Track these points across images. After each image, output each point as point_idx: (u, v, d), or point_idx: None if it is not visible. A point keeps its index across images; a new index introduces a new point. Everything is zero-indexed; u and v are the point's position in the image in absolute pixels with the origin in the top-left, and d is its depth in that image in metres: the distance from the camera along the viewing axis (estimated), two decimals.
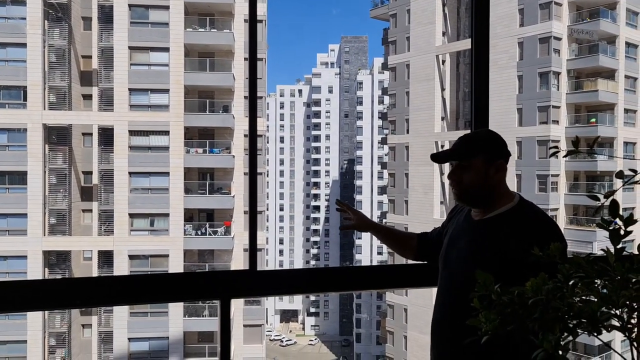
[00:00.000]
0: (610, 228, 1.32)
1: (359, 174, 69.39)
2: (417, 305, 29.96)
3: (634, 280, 1.23)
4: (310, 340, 65.50)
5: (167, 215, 24.64)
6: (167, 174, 24.61)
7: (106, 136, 24.37)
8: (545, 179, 29.06)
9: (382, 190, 49.98)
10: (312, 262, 73.65)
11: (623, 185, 1.41)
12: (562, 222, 29.15)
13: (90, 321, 24.50)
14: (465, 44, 30.57)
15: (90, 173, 24.75)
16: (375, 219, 62.56)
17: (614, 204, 1.34)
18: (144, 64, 24.99)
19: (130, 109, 24.55)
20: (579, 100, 30.16)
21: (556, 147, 1.47)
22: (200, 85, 25.70)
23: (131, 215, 24.44)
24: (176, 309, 23.82)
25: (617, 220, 1.31)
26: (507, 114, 29.54)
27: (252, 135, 2.37)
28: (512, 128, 29.33)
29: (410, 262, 2.24)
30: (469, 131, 2.11)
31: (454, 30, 32.58)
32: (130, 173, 24.44)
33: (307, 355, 61.28)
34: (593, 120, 30.00)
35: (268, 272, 2.30)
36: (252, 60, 2.34)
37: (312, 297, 67.80)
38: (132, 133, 24.42)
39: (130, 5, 24.48)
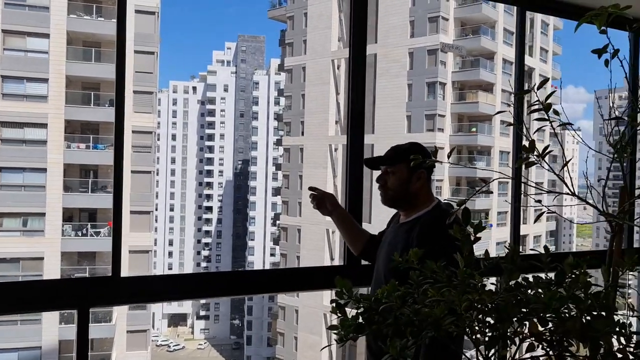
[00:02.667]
0: (462, 234, 1.37)
1: (253, 175, 68.98)
2: (308, 307, 30.32)
3: (480, 284, 1.28)
4: (200, 344, 63.99)
5: (43, 214, 22.83)
6: (44, 170, 22.81)
7: None
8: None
9: (276, 191, 50.11)
10: (203, 264, 71.99)
11: (474, 194, 1.47)
12: None
13: None
14: None
15: None
16: (269, 220, 62.58)
17: (466, 212, 1.40)
18: (19, 49, 23.00)
19: (3, 98, 22.46)
20: (462, 111, 32.33)
21: (417, 157, 1.54)
22: (84, 77, 24.15)
23: (1, 215, 22.37)
24: (51, 315, 22.14)
25: (468, 227, 1.37)
26: (397, 121, 30.89)
27: (119, 131, 2.21)
28: (401, 134, 30.69)
29: (301, 265, 2.25)
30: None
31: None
32: (1, 168, 22.37)
33: None
34: (474, 129, 32.29)
35: (132, 278, 2.16)
36: (120, 50, 2.18)
37: (202, 300, 66.27)
38: (4, 125, 22.38)
39: None
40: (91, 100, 24.47)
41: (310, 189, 2.37)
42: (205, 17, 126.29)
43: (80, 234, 23.83)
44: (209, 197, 74.59)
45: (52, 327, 22.39)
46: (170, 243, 72.32)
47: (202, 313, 67.74)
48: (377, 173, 2.11)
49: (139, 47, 25.30)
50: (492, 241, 27.55)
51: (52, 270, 22.21)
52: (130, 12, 24.64)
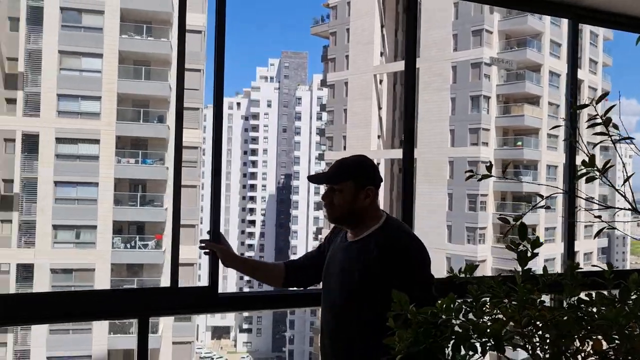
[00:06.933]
0: (518, 250, 1.37)
1: (295, 189, 69.41)
2: None
3: (538, 300, 1.28)
4: (242, 357, 64.34)
5: (94, 227, 23.62)
6: (96, 184, 23.65)
7: (30, 143, 23.14)
8: (475, 199, 30.19)
9: (318, 206, 50.25)
10: (246, 277, 72.65)
11: (532, 208, 1.47)
12: (489, 240, 30.30)
13: (5, 339, 22.96)
14: (401, 65, 31.39)
15: (12, 181, 23.36)
16: (311, 235, 62.72)
17: (522, 227, 1.39)
18: (75, 69, 24.04)
19: (58, 115, 23.48)
20: (507, 124, 31.71)
21: (471, 170, 1.53)
22: (134, 94, 24.99)
23: (55, 227, 23.25)
24: (101, 325, 22.77)
25: (525, 242, 1.37)
26: (440, 135, 30.58)
27: (178, 146, 2.29)
28: (445, 148, 30.36)
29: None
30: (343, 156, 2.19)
31: (392, 52, 33.50)
32: (55, 182, 23.31)
33: None
34: (519, 143, 31.60)
35: (190, 288, 2.23)
36: (180, 69, 2.28)
37: (245, 313, 66.80)
38: (60, 141, 23.35)
39: (62, 8, 23.54)
40: (140, 116, 25.26)
41: (202, 241, 2.25)
42: (249, 34, 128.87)
43: (129, 247, 24.50)
44: (252, 211, 75.45)
45: (101, 337, 23.02)
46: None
47: (245, 326, 68.20)
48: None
49: (186, 65, 25.98)
50: (540, 258, 26.74)
51: (102, 281, 22.88)
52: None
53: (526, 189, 30.58)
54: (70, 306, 2.10)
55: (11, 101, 23.61)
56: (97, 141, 23.68)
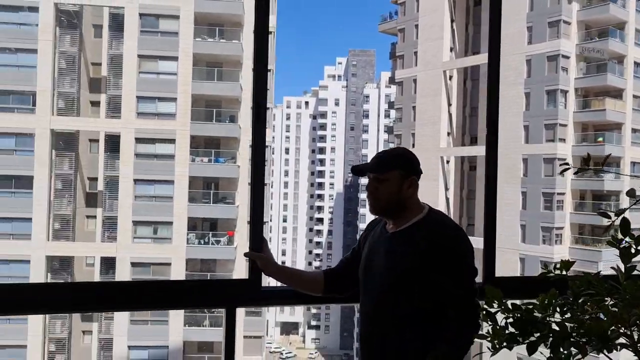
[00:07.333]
0: (621, 246, 1.30)
1: (363, 187, 69.20)
2: None
3: None
4: (310, 353, 65.00)
5: (170, 223, 24.64)
6: (172, 182, 24.65)
7: (113, 143, 24.46)
8: (551, 197, 28.93)
9: None
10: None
11: (634, 203, 1.39)
12: (567, 241, 28.95)
13: (91, 327, 24.42)
14: (473, 60, 30.62)
15: (96, 179, 24.80)
16: None
17: (626, 222, 1.32)
18: (152, 72, 25.15)
19: (138, 117, 24.66)
20: (586, 119, 30.11)
21: (567, 163, 1.46)
22: (207, 95, 25.82)
23: (135, 223, 24.45)
24: (176, 317, 23.72)
25: (628, 238, 1.30)
26: (513, 131, 29.48)
27: (259, 145, 2.33)
28: (518, 145, 29.27)
29: None
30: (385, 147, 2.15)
31: (462, 47, 32.68)
32: (135, 180, 24.49)
33: None
34: (600, 139, 29.92)
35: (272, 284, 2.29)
36: (259, 69, 2.33)
37: (313, 310, 67.43)
38: (139, 141, 24.50)
39: (141, 14, 24.69)
40: (213, 116, 26.07)
41: (245, 254, 2.25)
42: (317, 33, 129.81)
43: (202, 242, 25.37)
44: (320, 209, 76.04)
45: (177, 328, 23.99)
46: (283, 253, 74.63)
47: (313, 323, 68.86)
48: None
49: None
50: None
51: (178, 275, 23.83)
52: (249, 32, 26.09)
53: (607, 187, 28.96)
54: (162, 295, 2.21)
55: (95, 104, 25.07)
56: (172, 141, 24.68)
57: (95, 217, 24.75)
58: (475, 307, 1.77)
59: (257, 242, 2.22)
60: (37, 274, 22.78)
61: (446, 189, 31.47)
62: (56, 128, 23.79)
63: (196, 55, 25.40)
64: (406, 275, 1.85)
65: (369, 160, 2.06)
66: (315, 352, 65.32)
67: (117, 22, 24.66)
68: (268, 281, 2.52)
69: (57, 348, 23.98)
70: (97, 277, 23.68)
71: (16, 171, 23.43)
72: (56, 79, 24.11)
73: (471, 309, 1.77)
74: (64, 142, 24.40)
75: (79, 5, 24.52)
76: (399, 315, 1.86)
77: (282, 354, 62.94)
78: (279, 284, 2.30)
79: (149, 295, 2.18)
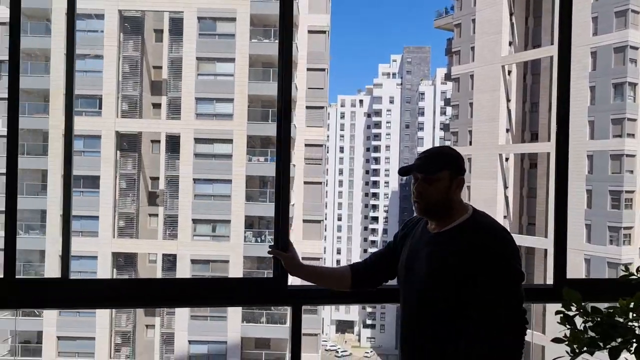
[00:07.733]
0: None
1: None
2: None
3: None
4: (366, 352, 64.84)
5: (228, 221, 25.19)
6: (229, 181, 25.19)
7: (173, 143, 25.25)
8: (619, 195, 27.61)
9: None
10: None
11: None
12: (637, 241, 27.55)
13: (154, 322, 25.32)
14: (534, 53, 29.64)
15: (157, 179, 25.68)
16: None
17: None
18: (210, 74, 25.79)
19: (197, 118, 25.35)
20: None
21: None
22: (263, 95, 26.20)
23: (194, 221, 25.15)
24: (235, 314, 24.22)
25: None
26: (578, 127, 28.26)
27: (284, 144, 2.29)
28: (583, 141, 28.09)
29: None
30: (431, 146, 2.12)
31: (522, 40, 31.67)
32: (194, 180, 25.18)
33: None
34: None
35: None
36: (284, 65, 2.34)
37: (369, 309, 67.25)
38: (198, 141, 25.18)
39: (199, 18, 25.36)
40: (269, 116, 26.44)
41: (270, 247, 2.31)
42: (371, 31, 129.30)
43: (259, 240, 25.79)
44: (375, 207, 75.73)
45: (235, 325, 24.51)
46: (338, 252, 74.84)
47: (369, 322, 68.69)
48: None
49: (311, 65, 26.88)
50: None
51: (235, 273, 24.35)
52: (303, 32, 26.29)
53: None
54: (231, 292, 2.27)
55: (156, 106, 25.96)
56: (230, 141, 25.22)
57: (157, 215, 25.64)
58: (522, 312, 1.74)
59: (284, 242, 2.23)
60: (104, 270, 23.86)
61: (505, 187, 30.60)
62: (120, 130, 24.81)
63: (252, 56, 25.83)
64: (449, 277, 1.82)
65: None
66: (371, 351, 65.12)
67: (176, 26, 25.44)
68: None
69: (123, 341, 25.03)
70: (159, 274, 24.52)
71: (84, 171, 24.55)
72: (120, 83, 25.15)
73: (517, 314, 1.74)
74: (128, 143, 25.41)
75: (141, 11, 25.47)
76: (440, 316, 1.84)
77: (337, 352, 63.12)
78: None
79: (206, 291, 2.24)
